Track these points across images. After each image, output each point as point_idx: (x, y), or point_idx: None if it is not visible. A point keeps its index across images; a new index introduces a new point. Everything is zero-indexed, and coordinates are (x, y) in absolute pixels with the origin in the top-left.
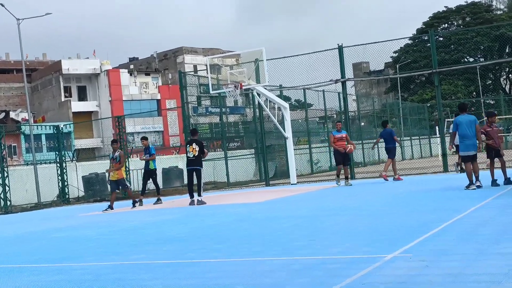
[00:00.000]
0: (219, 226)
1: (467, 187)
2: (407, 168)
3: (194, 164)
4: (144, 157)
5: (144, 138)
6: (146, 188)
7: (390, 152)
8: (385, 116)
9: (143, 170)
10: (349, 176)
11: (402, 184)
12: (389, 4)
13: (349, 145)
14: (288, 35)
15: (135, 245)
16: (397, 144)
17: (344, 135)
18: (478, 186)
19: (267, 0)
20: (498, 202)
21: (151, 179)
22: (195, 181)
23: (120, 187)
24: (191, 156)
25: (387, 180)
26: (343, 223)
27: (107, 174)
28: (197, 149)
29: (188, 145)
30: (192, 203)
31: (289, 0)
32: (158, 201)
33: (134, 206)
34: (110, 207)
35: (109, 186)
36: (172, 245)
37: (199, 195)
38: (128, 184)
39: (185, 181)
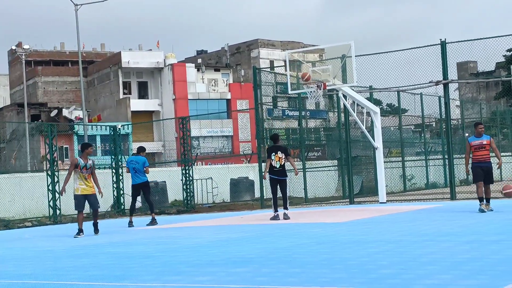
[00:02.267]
0: (295, 248)
1: None
2: None
3: (280, 175)
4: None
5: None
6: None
7: None
8: (495, 126)
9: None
10: (490, 198)
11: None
12: None
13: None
14: (381, 28)
15: (199, 265)
16: None
17: (486, 142)
18: None
19: None
20: None
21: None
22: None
23: (90, 205)
24: (278, 166)
25: None
26: (440, 250)
27: (78, 188)
28: (283, 157)
29: (273, 154)
30: (276, 217)
31: None
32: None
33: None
34: (80, 230)
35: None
36: (241, 267)
37: (286, 208)
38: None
39: (256, 194)
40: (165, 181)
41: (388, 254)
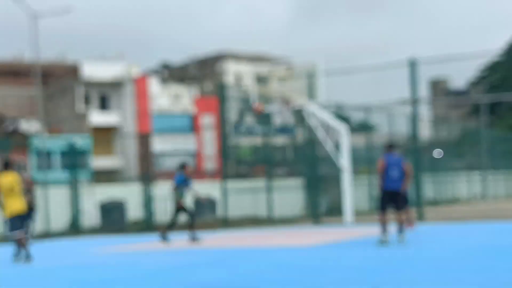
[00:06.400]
0: (255, 274)
1: None
2: (489, 210)
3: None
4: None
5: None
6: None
7: None
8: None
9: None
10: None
11: (480, 233)
12: (478, 12)
13: None
14: (352, 41)
15: None
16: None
17: None
18: None
19: None
20: None
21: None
22: None
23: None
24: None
25: None
26: (404, 278)
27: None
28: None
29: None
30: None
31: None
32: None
33: None
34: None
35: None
36: None
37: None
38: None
39: (218, 213)
40: (125, 199)
41: (349, 281)
